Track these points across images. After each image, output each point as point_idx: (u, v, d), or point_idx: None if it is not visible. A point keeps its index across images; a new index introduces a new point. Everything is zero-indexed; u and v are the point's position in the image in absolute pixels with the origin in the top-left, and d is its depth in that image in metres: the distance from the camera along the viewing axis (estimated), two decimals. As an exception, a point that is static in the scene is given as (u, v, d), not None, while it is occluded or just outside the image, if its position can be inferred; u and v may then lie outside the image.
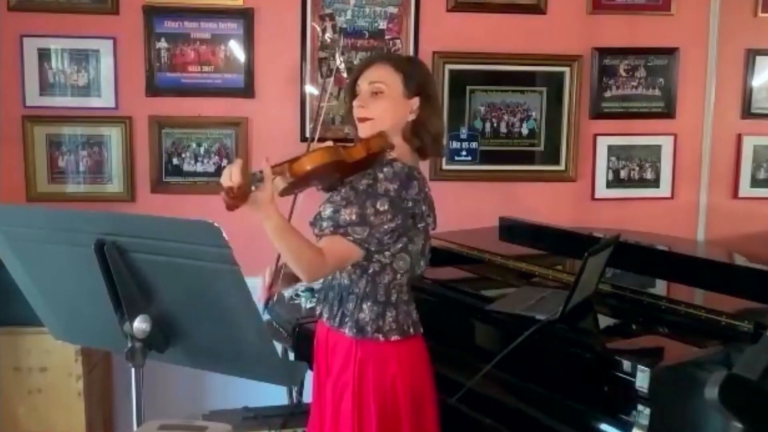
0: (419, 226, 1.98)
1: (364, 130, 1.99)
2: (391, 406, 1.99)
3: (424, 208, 1.97)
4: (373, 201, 1.90)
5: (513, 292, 2.55)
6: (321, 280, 2.07)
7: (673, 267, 2.64)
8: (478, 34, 3.55)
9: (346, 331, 1.99)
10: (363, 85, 2.02)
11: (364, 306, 1.98)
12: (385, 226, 1.90)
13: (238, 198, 1.73)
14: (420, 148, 2.05)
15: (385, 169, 1.93)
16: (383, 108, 1.99)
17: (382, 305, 1.99)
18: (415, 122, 2.01)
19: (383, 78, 2.00)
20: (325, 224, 1.92)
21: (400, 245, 1.96)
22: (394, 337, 1.99)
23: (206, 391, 3.44)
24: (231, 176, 1.72)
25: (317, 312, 2.13)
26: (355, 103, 2.02)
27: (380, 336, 1.98)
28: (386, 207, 1.89)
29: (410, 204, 1.93)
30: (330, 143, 1.92)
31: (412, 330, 2.03)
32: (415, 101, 2.01)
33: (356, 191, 1.94)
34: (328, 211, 1.95)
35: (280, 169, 1.83)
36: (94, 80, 3.36)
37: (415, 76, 2.02)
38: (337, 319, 2.01)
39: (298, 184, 1.91)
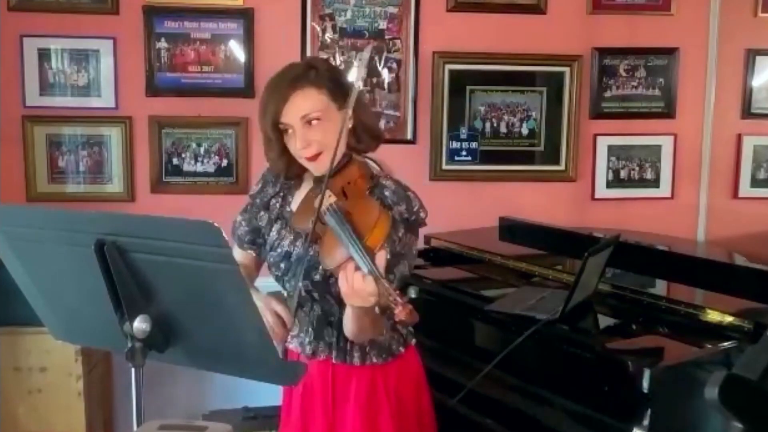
0: (421, 229, 1.92)
1: (321, 166, 1.79)
2: (422, 404, 2.00)
3: (423, 214, 1.87)
4: (395, 232, 1.78)
5: (513, 292, 2.55)
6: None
7: (673, 267, 2.64)
8: (478, 34, 3.55)
9: (374, 360, 1.90)
10: (292, 122, 1.79)
11: None
12: (413, 250, 1.87)
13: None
14: (362, 149, 1.92)
15: (387, 193, 1.83)
16: (325, 133, 1.78)
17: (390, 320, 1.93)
18: (354, 128, 1.86)
19: (314, 105, 1.79)
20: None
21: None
22: (412, 341, 2.00)
23: (206, 391, 3.44)
24: (365, 296, 1.56)
25: (307, 352, 1.93)
26: (296, 143, 1.79)
27: (401, 348, 1.95)
28: (403, 231, 1.82)
29: (414, 218, 1.85)
30: (369, 199, 1.76)
31: (411, 327, 2.01)
32: (347, 108, 1.79)
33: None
34: None
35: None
36: (94, 80, 3.36)
37: (335, 82, 1.83)
38: (356, 354, 1.89)
39: None
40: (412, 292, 1.85)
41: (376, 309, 1.58)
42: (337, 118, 1.80)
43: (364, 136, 1.89)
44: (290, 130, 1.81)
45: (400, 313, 1.52)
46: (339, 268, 1.62)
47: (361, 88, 1.84)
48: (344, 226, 1.64)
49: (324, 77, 1.82)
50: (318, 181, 1.84)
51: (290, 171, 1.91)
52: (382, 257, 1.58)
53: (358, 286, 1.57)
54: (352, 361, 1.90)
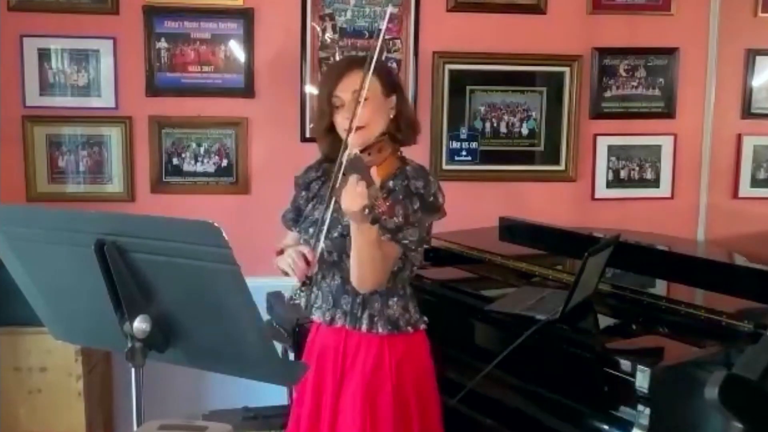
0: (436, 217, 2.06)
1: (361, 139, 1.97)
2: (426, 393, 2.07)
3: (441, 200, 2.04)
4: (410, 201, 1.98)
5: (513, 292, 2.55)
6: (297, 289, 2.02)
7: (673, 267, 2.64)
8: (478, 34, 3.55)
9: (379, 329, 2.02)
10: (344, 96, 2.00)
11: (390, 302, 2.04)
12: (425, 224, 2.02)
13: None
14: (402, 140, 2.09)
15: (408, 168, 2.03)
16: (371, 113, 1.98)
17: (403, 299, 2.07)
18: (396, 117, 2.06)
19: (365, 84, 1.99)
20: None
21: (426, 239, 2.08)
22: (422, 326, 2.10)
23: (206, 391, 3.44)
24: (359, 198, 1.75)
25: (324, 318, 2.10)
26: (343, 115, 1.99)
27: (410, 328, 2.06)
28: (418, 204, 1.99)
29: (432, 199, 2.01)
30: (382, 151, 1.96)
31: (425, 317, 2.13)
32: (393, 98, 2.05)
33: (392, 192, 1.97)
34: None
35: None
36: (94, 80, 3.36)
37: (387, 75, 2.08)
38: (364, 321, 2.03)
39: None
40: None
41: (366, 211, 1.76)
42: (383, 104, 2.02)
43: (404, 126, 2.08)
44: (340, 105, 2.01)
45: (379, 206, 1.75)
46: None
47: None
48: (360, 164, 1.84)
49: (381, 68, 2.05)
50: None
51: (332, 150, 2.04)
52: (374, 172, 1.80)
53: (355, 188, 1.76)
54: (361, 327, 2.03)
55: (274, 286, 3.12)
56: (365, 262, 1.90)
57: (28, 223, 1.58)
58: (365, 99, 1.96)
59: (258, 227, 3.45)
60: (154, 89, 3.38)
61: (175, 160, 3.44)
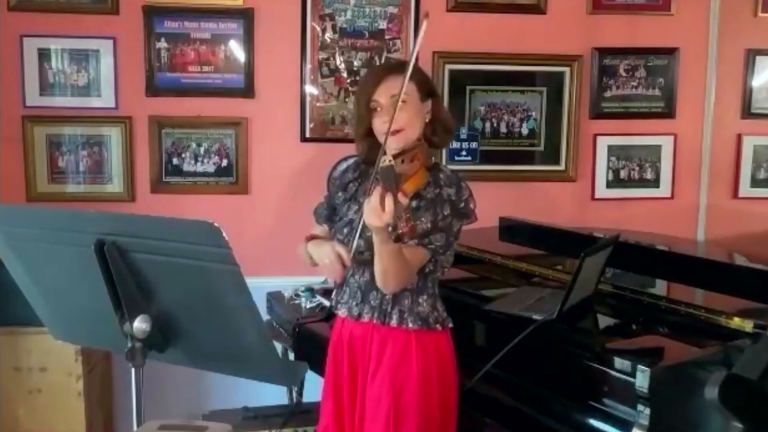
0: (465, 222, 2.09)
1: (396, 142, 2.03)
2: (448, 389, 2.10)
3: (472, 206, 2.08)
4: (440, 207, 2.03)
5: (512, 292, 2.55)
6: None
7: (673, 267, 2.64)
8: (478, 34, 3.55)
9: (409, 324, 2.06)
10: (382, 99, 2.05)
11: (420, 300, 2.08)
12: (453, 229, 2.05)
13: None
14: (437, 143, 2.16)
15: (441, 176, 2.07)
16: (409, 117, 2.04)
17: (433, 297, 2.11)
18: (432, 121, 2.12)
19: (401, 88, 2.03)
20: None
21: (455, 243, 2.11)
22: (450, 325, 2.14)
23: (206, 391, 3.44)
24: (385, 215, 1.77)
25: (351, 313, 2.12)
26: (381, 118, 2.05)
27: (438, 326, 2.10)
28: (448, 211, 2.03)
29: (462, 205, 2.06)
30: (414, 162, 1.98)
31: (449, 318, 2.16)
32: (429, 103, 2.10)
33: (424, 200, 2.02)
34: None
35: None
36: (94, 80, 3.36)
37: (424, 80, 2.12)
38: (394, 316, 2.07)
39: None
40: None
41: (389, 229, 1.79)
42: (420, 108, 2.07)
43: (440, 129, 2.13)
44: (379, 109, 2.06)
45: (403, 227, 1.78)
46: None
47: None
48: (391, 177, 1.84)
49: (417, 74, 2.10)
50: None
51: (370, 154, 2.10)
52: (403, 200, 1.82)
53: (378, 202, 1.78)
54: (390, 322, 2.06)
55: (274, 286, 3.12)
56: (388, 270, 1.94)
57: (28, 223, 1.58)
58: (403, 102, 2.01)
59: (258, 227, 3.46)
60: (154, 89, 3.38)
61: (175, 160, 3.44)
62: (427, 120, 2.11)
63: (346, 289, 2.17)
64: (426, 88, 2.11)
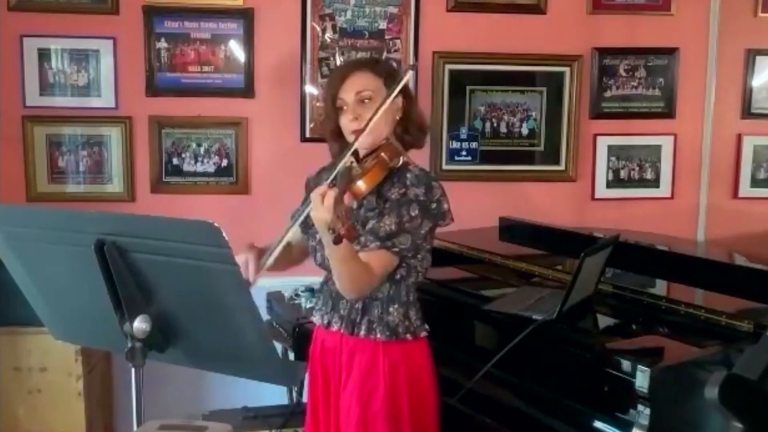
0: (442, 224, 2.04)
1: (365, 141, 1.97)
2: (421, 399, 2.05)
3: (446, 206, 2.03)
4: (406, 208, 1.95)
5: (512, 292, 2.55)
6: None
7: (673, 267, 2.64)
8: (478, 34, 3.55)
9: (377, 335, 2.00)
10: (347, 97, 2.00)
11: (391, 309, 2.02)
12: (421, 231, 1.97)
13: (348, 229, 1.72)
14: (410, 141, 2.09)
15: (408, 175, 1.99)
16: (375, 115, 1.95)
17: (405, 305, 2.04)
18: (403, 119, 2.05)
19: (368, 85, 2.00)
20: (365, 239, 1.93)
21: (428, 247, 2.04)
22: (422, 334, 2.07)
23: (206, 391, 3.44)
24: (324, 210, 1.71)
25: (322, 321, 2.10)
26: (347, 117, 2.00)
27: (409, 336, 2.03)
28: (417, 212, 1.96)
29: (434, 206, 1.99)
30: (376, 158, 1.93)
31: (426, 325, 2.10)
32: (399, 100, 2.03)
33: (389, 201, 1.97)
34: (367, 226, 1.96)
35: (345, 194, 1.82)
36: (94, 80, 3.36)
37: (392, 75, 2.05)
38: (363, 327, 2.01)
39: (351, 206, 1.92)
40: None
41: (329, 228, 1.71)
42: (390, 105, 1.97)
43: (411, 127, 2.07)
44: (345, 107, 2.00)
45: (340, 228, 1.69)
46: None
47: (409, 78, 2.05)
48: (343, 178, 1.83)
49: (383, 68, 2.08)
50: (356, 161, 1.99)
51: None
52: (349, 200, 1.80)
53: (322, 200, 1.72)
54: (359, 333, 2.01)
55: (274, 286, 3.12)
56: (342, 274, 1.88)
57: (28, 223, 1.58)
58: (369, 99, 1.97)
59: (258, 227, 3.44)
60: (154, 89, 3.38)
61: (175, 160, 3.44)
62: (397, 117, 2.04)
63: (320, 295, 2.14)
64: (394, 84, 2.00)
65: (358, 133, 1.95)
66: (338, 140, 2.06)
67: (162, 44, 3.37)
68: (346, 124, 2.00)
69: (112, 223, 1.47)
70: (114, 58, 3.35)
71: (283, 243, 1.91)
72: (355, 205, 1.83)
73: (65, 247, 1.52)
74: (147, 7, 3.34)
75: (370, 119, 1.94)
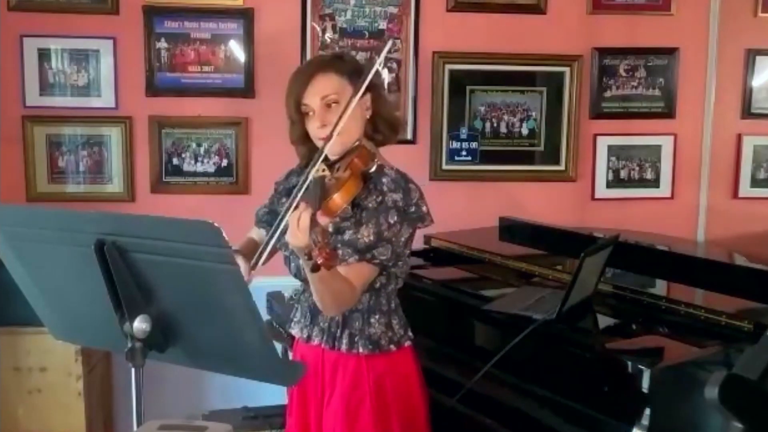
0: (420, 226, 1.95)
1: (336, 147, 1.89)
2: (410, 410, 1.99)
3: (424, 209, 1.93)
4: (384, 216, 1.87)
5: (512, 292, 2.55)
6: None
7: (673, 267, 2.64)
8: (478, 34, 3.55)
9: (360, 349, 1.93)
10: (312, 103, 1.90)
11: (372, 320, 1.94)
12: (402, 239, 1.89)
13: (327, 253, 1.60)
14: (381, 140, 2.00)
15: (384, 180, 1.90)
16: (344, 118, 1.87)
17: (387, 314, 1.97)
18: (372, 117, 1.96)
19: (333, 88, 1.90)
20: (344, 252, 1.84)
21: (408, 252, 1.96)
22: (406, 344, 2.00)
23: (206, 391, 3.44)
24: (300, 235, 1.62)
25: (302, 334, 2.02)
26: (314, 123, 1.91)
27: (392, 346, 1.96)
28: (396, 218, 1.87)
29: (413, 209, 1.91)
30: (346, 171, 1.82)
31: (410, 332, 2.03)
32: (368, 98, 1.94)
33: (365, 210, 1.88)
34: (344, 237, 1.87)
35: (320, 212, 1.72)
36: (94, 80, 3.36)
37: (357, 73, 1.93)
38: (344, 341, 1.94)
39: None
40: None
41: (304, 251, 1.63)
42: (358, 106, 1.89)
43: (382, 126, 1.98)
44: (311, 113, 1.91)
45: (317, 255, 1.59)
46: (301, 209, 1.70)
47: (380, 72, 1.89)
48: (317, 189, 1.76)
49: (347, 66, 1.95)
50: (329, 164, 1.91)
51: (311, 158, 1.94)
52: (324, 220, 1.70)
53: (297, 224, 1.63)
54: (341, 347, 1.95)
55: (274, 286, 3.12)
56: (322, 295, 1.80)
57: (28, 223, 1.58)
58: (335, 103, 1.88)
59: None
60: (154, 89, 3.38)
61: (175, 160, 3.44)
62: (367, 116, 1.95)
63: (298, 306, 2.06)
64: (361, 81, 1.89)
65: (326, 140, 1.86)
66: (306, 144, 1.98)
67: (162, 44, 3.37)
68: (314, 131, 1.92)
69: (112, 223, 1.47)
70: (114, 58, 3.35)
71: (268, 250, 1.81)
72: (330, 228, 1.74)
73: (65, 247, 1.52)
74: (147, 7, 3.34)
75: (336, 125, 1.85)
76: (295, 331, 2.06)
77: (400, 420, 1.96)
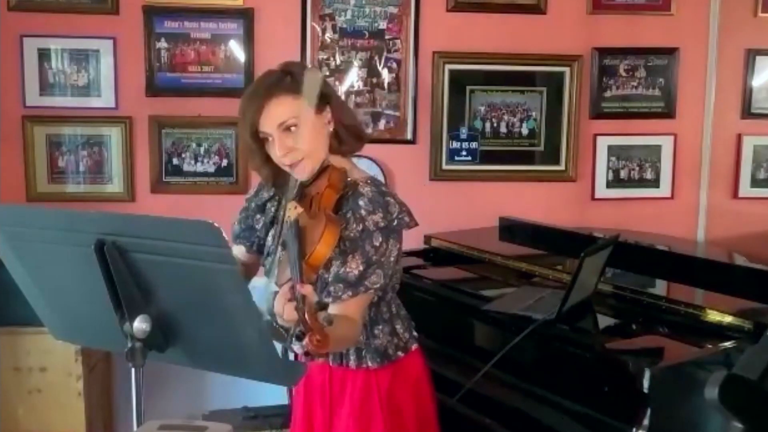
0: (406, 230, 1.90)
1: (305, 171, 1.83)
2: (422, 412, 1.97)
3: (407, 219, 1.85)
4: (369, 242, 1.78)
5: (512, 292, 2.55)
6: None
7: (673, 267, 2.64)
8: (478, 34, 3.55)
9: (369, 363, 1.89)
10: (270, 130, 1.80)
11: (376, 331, 1.91)
12: (391, 258, 1.82)
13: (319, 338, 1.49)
14: (347, 150, 1.92)
15: (361, 203, 1.80)
16: (307, 139, 1.79)
17: (389, 322, 1.93)
18: (335, 129, 1.87)
19: (290, 112, 1.79)
20: (335, 288, 1.77)
21: (399, 260, 1.91)
22: (413, 347, 1.97)
23: (206, 391, 3.44)
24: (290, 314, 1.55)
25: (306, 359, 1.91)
26: (276, 151, 1.81)
27: (401, 353, 1.93)
28: (380, 239, 1.79)
29: (396, 223, 1.83)
30: (323, 213, 1.72)
31: (415, 332, 2.01)
32: (327, 110, 1.85)
33: (348, 240, 1.78)
34: (332, 269, 1.79)
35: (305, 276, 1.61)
36: (94, 80, 3.36)
37: (312, 86, 1.80)
38: (351, 357, 1.90)
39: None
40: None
41: (295, 328, 1.57)
42: (318, 122, 1.81)
43: (346, 136, 1.89)
44: (270, 138, 1.81)
45: (308, 344, 1.51)
46: (285, 285, 1.63)
47: (328, 82, 1.83)
48: (294, 243, 1.62)
49: (297, 84, 1.80)
50: (302, 186, 1.85)
51: (279, 178, 1.90)
52: (309, 290, 1.53)
53: (284, 311, 1.58)
54: (348, 363, 1.91)
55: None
56: (330, 351, 1.71)
57: (28, 223, 1.58)
58: (295, 126, 1.78)
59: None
60: (154, 89, 3.38)
61: (175, 160, 3.44)
62: (330, 129, 1.85)
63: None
64: (315, 95, 1.80)
65: (294, 167, 1.81)
66: (268, 165, 1.88)
67: (162, 44, 3.37)
68: (278, 159, 1.82)
69: (112, 223, 1.47)
70: (114, 58, 3.35)
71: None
72: (315, 299, 1.58)
73: (65, 247, 1.51)
74: (147, 7, 3.34)
75: (301, 150, 1.78)
76: (297, 347, 1.92)
77: (414, 423, 1.95)
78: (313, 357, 1.59)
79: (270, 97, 1.79)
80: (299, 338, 1.57)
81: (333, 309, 1.72)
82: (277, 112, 1.79)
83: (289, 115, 1.79)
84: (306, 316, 1.49)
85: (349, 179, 1.86)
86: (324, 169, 1.85)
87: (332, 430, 1.95)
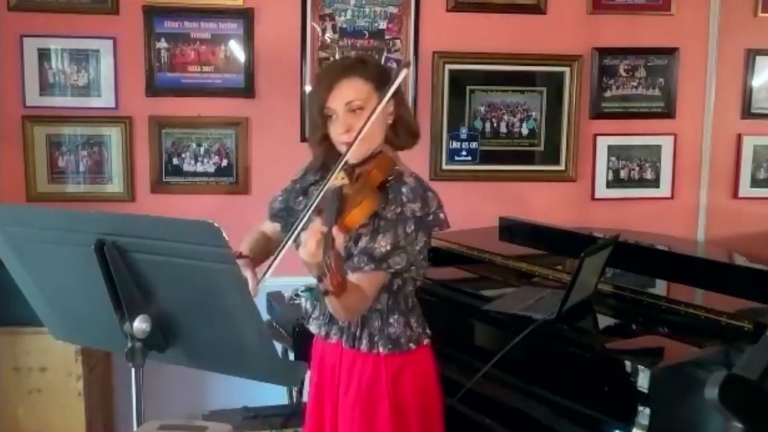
0: (437, 230, 1.97)
1: (358, 152, 1.89)
2: (428, 408, 2.00)
3: (442, 216, 1.94)
4: (402, 227, 1.87)
5: (512, 292, 2.55)
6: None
7: (673, 267, 2.64)
8: (478, 34, 3.55)
9: (380, 349, 1.94)
10: (337, 107, 1.89)
11: (391, 320, 1.95)
12: (417, 247, 1.89)
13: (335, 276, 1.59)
14: (400, 145, 2.01)
15: (404, 189, 1.89)
16: (368, 124, 1.86)
17: (405, 315, 1.97)
18: (395, 123, 1.97)
19: (358, 94, 1.89)
20: (359, 260, 1.85)
21: (424, 255, 1.97)
22: (425, 341, 2.01)
23: (206, 391, 3.44)
24: (315, 253, 1.62)
25: (320, 332, 2.04)
26: (337, 128, 1.90)
27: (411, 344, 1.97)
28: (412, 227, 1.87)
29: (431, 217, 1.91)
30: (366, 185, 1.82)
31: (428, 330, 2.04)
32: (391, 103, 1.93)
33: (384, 219, 1.87)
34: (360, 244, 1.87)
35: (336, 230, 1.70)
36: (94, 80, 3.36)
37: (382, 79, 1.92)
38: (364, 341, 1.94)
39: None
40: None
41: (316, 271, 1.65)
42: (381, 112, 1.88)
43: (402, 132, 1.99)
44: (334, 116, 1.91)
45: (327, 281, 1.61)
46: (316, 224, 1.71)
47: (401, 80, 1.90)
48: (334, 203, 1.74)
49: (372, 71, 1.93)
50: (351, 167, 1.92)
51: (329, 160, 1.95)
52: (340, 237, 1.68)
53: (315, 242, 1.65)
54: (360, 347, 1.95)
55: (274, 286, 3.12)
56: (335, 308, 1.78)
57: (28, 223, 1.58)
58: (360, 109, 1.88)
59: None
60: (154, 89, 3.38)
61: (175, 160, 3.44)
62: (389, 122, 1.95)
63: (317, 303, 2.07)
64: (386, 87, 1.88)
65: (349, 145, 1.86)
66: (323, 145, 1.97)
67: (162, 44, 3.37)
68: (337, 135, 1.91)
69: (112, 223, 1.47)
70: (114, 58, 3.35)
71: (280, 257, 1.77)
72: (341, 242, 1.69)
73: (65, 247, 1.51)
74: (147, 7, 3.34)
75: (360, 130, 1.84)
76: (313, 327, 2.07)
77: (418, 417, 1.97)
78: (326, 294, 1.65)
79: (343, 77, 1.90)
80: (320, 279, 1.64)
81: (351, 278, 1.78)
82: (346, 92, 1.89)
83: (356, 96, 1.89)
84: (331, 260, 1.58)
85: (396, 167, 1.94)
86: (374, 155, 1.93)
87: (339, 411, 1.99)
